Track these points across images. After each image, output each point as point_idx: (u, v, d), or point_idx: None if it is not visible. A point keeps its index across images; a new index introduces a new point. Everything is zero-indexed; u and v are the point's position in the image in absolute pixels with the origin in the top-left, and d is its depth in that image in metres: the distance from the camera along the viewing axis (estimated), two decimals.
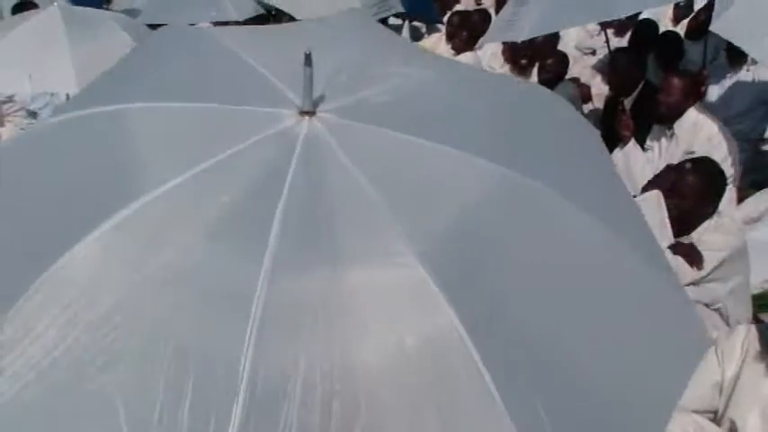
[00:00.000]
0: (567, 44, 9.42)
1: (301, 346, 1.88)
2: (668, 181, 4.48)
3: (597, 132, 3.02)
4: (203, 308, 1.97)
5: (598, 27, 9.37)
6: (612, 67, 7.31)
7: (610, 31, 8.72)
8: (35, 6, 8.65)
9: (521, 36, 6.63)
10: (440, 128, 2.36)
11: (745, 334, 3.02)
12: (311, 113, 2.26)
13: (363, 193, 2.09)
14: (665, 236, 4.30)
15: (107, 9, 10.08)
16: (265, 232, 1.98)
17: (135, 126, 2.36)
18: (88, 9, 7.69)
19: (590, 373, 2.09)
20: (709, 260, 4.34)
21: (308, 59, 2.23)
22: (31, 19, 7.03)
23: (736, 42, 5.99)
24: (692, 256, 4.33)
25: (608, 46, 8.22)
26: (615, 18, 7.58)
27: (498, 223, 2.21)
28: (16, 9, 8.87)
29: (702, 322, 2.56)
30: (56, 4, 6.93)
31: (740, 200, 5.99)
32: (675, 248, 4.32)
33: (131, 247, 2.04)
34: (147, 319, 1.96)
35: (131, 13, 8.82)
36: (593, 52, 9.87)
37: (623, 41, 9.05)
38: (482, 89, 2.81)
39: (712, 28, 5.92)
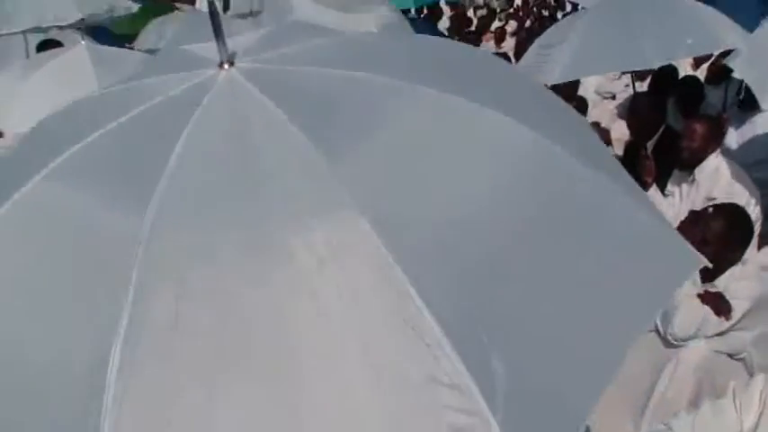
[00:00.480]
0: (586, 88, 9.47)
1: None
2: (694, 228, 4.46)
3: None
4: (84, 263, 1.90)
5: (618, 71, 9.42)
6: (633, 111, 7.30)
7: (629, 77, 8.77)
8: (60, 45, 8.78)
9: (551, 79, 6.61)
10: (374, 64, 2.21)
11: (764, 384, 3.00)
12: (229, 63, 2.13)
13: (283, 126, 1.95)
14: (692, 284, 4.28)
15: (130, 48, 10.22)
16: (154, 179, 1.88)
17: (65, 110, 2.38)
18: (114, 48, 7.81)
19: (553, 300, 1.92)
20: (738, 309, 4.30)
21: (212, 7, 2.17)
22: (59, 57, 7.13)
23: (749, 83, 6.02)
24: (721, 306, 4.29)
25: (633, 88, 8.24)
26: (647, 68, 7.61)
27: (436, 146, 2.03)
28: (41, 47, 8.98)
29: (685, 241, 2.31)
30: (83, 42, 7.02)
31: (759, 247, 5.98)
32: (703, 298, 4.28)
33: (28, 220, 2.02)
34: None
35: (155, 52, 8.91)
36: (613, 96, 9.91)
37: (644, 86, 9.10)
38: (422, 42, 2.74)
39: (727, 61, 5.95)
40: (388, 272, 1.74)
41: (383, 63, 2.24)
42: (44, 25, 9.28)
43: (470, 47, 3.46)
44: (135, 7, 10.43)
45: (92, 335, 1.78)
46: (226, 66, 2.12)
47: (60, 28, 9.36)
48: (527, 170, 2.05)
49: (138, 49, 10.09)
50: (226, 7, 11.63)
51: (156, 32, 12.51)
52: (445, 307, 1.75)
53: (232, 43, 2.17)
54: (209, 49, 2.20)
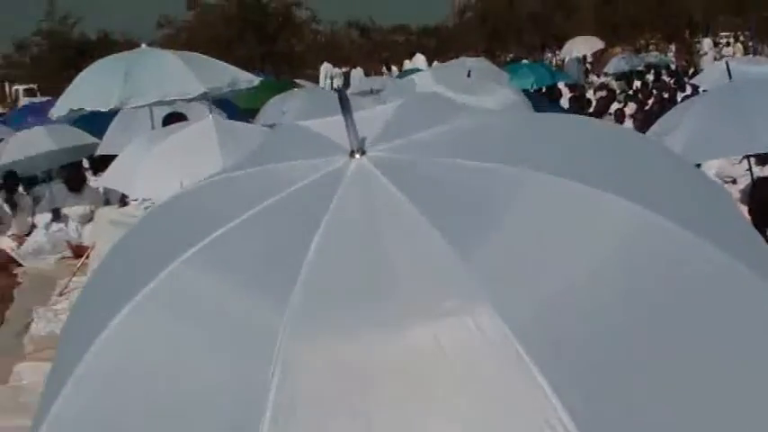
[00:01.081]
0: (707, 172, 9.34)
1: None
2: None
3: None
4: (227, 354, 1.89)
5: (736, 156, 9.27)
6: (754, 196, 7.18)
7: (752, 160, 8.62)
8: (184, 118, 9.10)
9: None
10: (505, 153, 2.17)
11: None
12: (360, 152, 2.10)
13: (414, 220, 1.90)
14: None
15: (252, 122, 10.51)
16: (294, 270, 1.85)
17: (197, 190, 2.39)
18: (239, 123, 8.04)
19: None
20: None
21: (343, 101, 2.12)
22: (185, 130, 7.37)
23: None
24: None
25: (751, 174, 8.10)
26: (765, 152, 7.44)
27: (566, 238, 1.97)
28: (167, 120, 9.31)
29: None
30: (211, 116, 7.26)
31: None
32: None
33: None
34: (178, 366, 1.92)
35: (276, 127, 9.14)
36: (734, 181, 9.75)
37: (764, 170, 8.92)
38: (562, 124, 2.64)
39: None
40: (524, 369, 1.68)
41: (513, 151, 2.23)
42: (168, 99, 9.63)
43: (600, 122, 3.42)
44: (256, 81, 10.72)
45: (231, 423, 1.80)
46: (357, 155, 2.10)
47: (187, 101, 9.69)
48: (659, 258, 1.97)
49: (262, 124, 10.36)
50: (345, 84, 11.87)
51: (277, 108, 12.85)
52: (583, 405, 1.68)
53: (360, 124, 2.15)
54: (338, 131, 2.18)
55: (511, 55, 41.38)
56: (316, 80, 29.09)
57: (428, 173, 2.11)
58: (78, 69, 12.49)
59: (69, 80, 11.47)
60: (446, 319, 1.75)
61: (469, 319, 1.73)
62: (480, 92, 10.24)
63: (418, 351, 1.73)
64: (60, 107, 10.07)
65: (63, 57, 47.06)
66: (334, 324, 1.83)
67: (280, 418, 1.70)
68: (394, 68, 30.06)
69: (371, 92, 12.97)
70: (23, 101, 35.13)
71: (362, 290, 1.87)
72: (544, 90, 20.06)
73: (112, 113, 10.75)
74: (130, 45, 27.72)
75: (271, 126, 9.23)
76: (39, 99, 29.73)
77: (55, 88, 30.55)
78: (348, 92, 10.93)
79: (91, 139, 11.95)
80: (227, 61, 11.49)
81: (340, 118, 2.14)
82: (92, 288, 2.45)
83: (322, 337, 1.82)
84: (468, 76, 11.78)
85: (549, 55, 44.43)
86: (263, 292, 1.93)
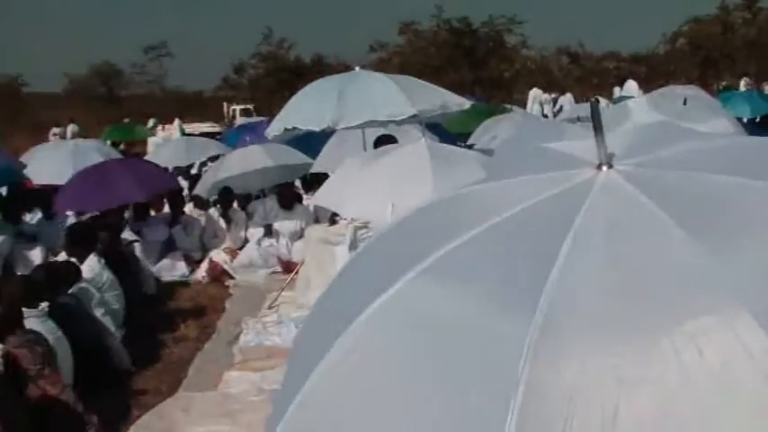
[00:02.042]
0: None
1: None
2: None
3: None
4: (471, 358, 1.88)
5: None
6: None
7: None
8: (394, 140, 9.19)
9: None
10: (746, 168, 2.13)
11: None
12: (608, 165, 2.12)
13: (667, 228, 1.89)
14: None
15: (465, 146, 10.50)
16: (540, 281, 1.85)
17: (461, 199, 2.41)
18: (452, 147, 8.04)
19: None
20: None
21: (595, 114, 2.11)
22: (397, 151, 7.42)
23: None
24: None
25: None
26: None
27: None
28: (378, 142, 9.42)
29: None
30: (423, 139, 7.29)
31: None
32: None
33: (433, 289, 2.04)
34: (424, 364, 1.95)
35: (489, 152, 9.10)
36: None
37: None
38: None
39: None
40: None
41: (753, 166, 2.17)
42: (380, 120, 9.74)
43: None
44: (467, 105, 10.69)
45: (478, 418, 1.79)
46: (604, 167, 2.12)
47: (398, 123, 9.78)
48: None
49: (472, 147, 10.35)
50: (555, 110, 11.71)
51: (488, 132, 12.86)
52: None
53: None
54: (579, 150, 2.21)
55: (724, 83, 39.81)
56: (524, 105, 28.97)
57: (674, 184, 2.10)
58: (293, 91, 12.88)
59: (284, 101, 11.81)
60: (703, 328, 1.72)
61: (729, 330, 1.70)
62: (696, 120, 9.87)
63: (674, 363, 1.70)
64: (276, 126, 10.37)
65: (279, 79, 49.02)
66: (582, 336, 1.80)
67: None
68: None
69: (578, 119, 12.72)
70: (240, 120, 36.56)
71: (613, 297, 1.85)
72: (758, 120, 19.16)
73: (326, 134, 10.97)
74: (344, 68, 28.49)
75: (483, 152, 9.21)
76: (254, 119, 30.87)
77: (270, 109, 31.80)
78: (558, 118, 10.79)
79: (304, 159, 12.30)
80: (437, 86, 11.54)
81: (580, 141, 2.19)
82: (331, 296, 2.49)
83: (570, 351, 1.78)
84: (685, 104, 11.40)
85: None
86: (505, 303, 1.93)
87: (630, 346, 1.74)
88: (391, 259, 2.25)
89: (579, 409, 1.69)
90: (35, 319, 5.98)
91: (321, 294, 2.53)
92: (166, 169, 14.99)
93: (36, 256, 10.33)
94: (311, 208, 11.63)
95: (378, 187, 6.71)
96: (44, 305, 6.46)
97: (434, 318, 1.99)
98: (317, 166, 12.12)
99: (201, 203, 12.42)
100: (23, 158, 14.79)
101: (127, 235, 10.29)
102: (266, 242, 11.24)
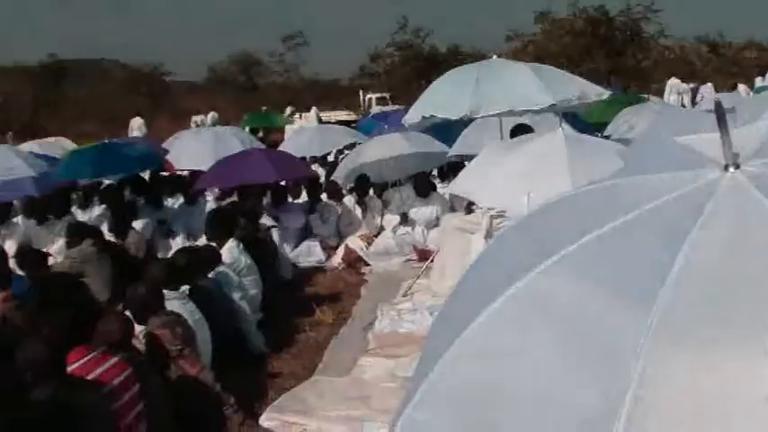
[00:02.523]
0: None
1: None
2: None
3: None
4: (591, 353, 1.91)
5: None
6: None
7: None
8: (531, 130, 9.10)
9: None
10: None
11: None
12: (735, 166, 2.07)
13: None
14: None
15: (603, 136, 10.30)
16: (657, 281, 1.84)
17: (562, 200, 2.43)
18: (589, 137, 7.91)
19: None
20: None
21: (720, 115, 2.06)
22: (535, 141, 7.35)
23: None
24: None
25: None
26: None
27: None
28: (514, 131, 9.34)
29: None
30: (560, 129, 7.20)
31: None
32: None
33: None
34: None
35: (626, 143, 8.92)
36: None
37: None
38: None
39: None
40: None
41: None
42: (517, 109, 9.66)
43: None
44: (606, 94, 10.50)
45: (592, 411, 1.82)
46: (731, 169, 2.07)
47: (535, 112, 9.68)
48: None
49: (609, 138, 10.17)
50: (693, 101, 11.38)
51: (626, 122, 12.60)
52: None
53: (734, 139, 2.11)
54: (710, 146, 2.14)
55: None
56: (661, 95, 28.31)
57: None
58: (429, 80, 12.89)
59: (420, 90, 11.84)
60: None
61: None
62: None
63: None
64: (413, 114, 10.39)
65: (414, 67, 49.07)
66: (697, 340, 1.80)
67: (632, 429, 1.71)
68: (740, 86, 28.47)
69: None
70: (375, 109, 36.84)
71: (730, 305, 1.83)
72: None
73: (462, 122, 10.94)
74: (479, 57, 28.35)
75: (622, 141, 9.04)
76: (390, 108, 31.03)
77: (406, 98, 31.90)
78: (696, 108, 10.50)
79: (441, 147, 12.32)
80: (574, 75, 11.36)
81: (710, 134, 2.12)
82: (466, 284, 2.52)
83: (683, 354, 1.78)
84: None
85: None
86: (624, 303, 1.93)
87: (741, 359, 1.73)
88: (524, 250, 2.28)
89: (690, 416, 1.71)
90: (176, 302, 6.18)
91: (456, 283, 2.55)
92: (303, 158, 15.26)
93: (177, 240, 10.66)
94: (447, 197, 11.65)
95: (514, 177, 6.65)
96: (185, 288, 6.67)
97: (561, 310, 2.02)
98: (453, 155, 12.13)
99: (337, 191, 12.57)
100: (165, 144, 15.31)
101: (265, 221, 10.50)
102: (402, 230, 11.33)
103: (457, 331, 2.07)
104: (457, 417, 2.04)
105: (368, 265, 10.83)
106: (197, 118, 35.76)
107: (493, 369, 2.02)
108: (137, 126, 31.72)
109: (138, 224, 10.48)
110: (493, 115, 9.79)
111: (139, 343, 5.64)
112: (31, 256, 8.26)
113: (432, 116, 9.97)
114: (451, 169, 12.44)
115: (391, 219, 11.68)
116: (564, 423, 1.85)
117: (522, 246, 2.35)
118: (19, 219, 11.76)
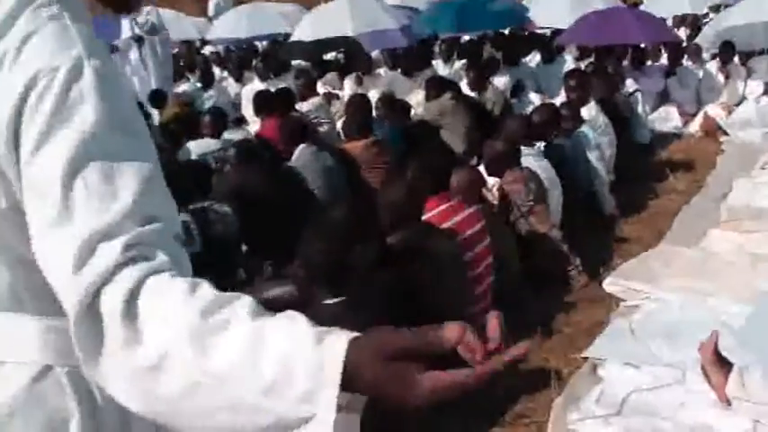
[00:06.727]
0: None
1: None
2: None
3: None
4: None
5: None
6: None
7: None
8: None
9: None
10: None
11: None
12: None
13: None
14: None
15: None
16: None
17: None
18: None
19: None
20: None
21: None
22: None
23: None
24: None
25: None
26: None
27: None
28: None
29: None
30: None
31: None
32: None
33: None
34: None
35: None
36: None
37: None
38: None
39: None
40: None
41: None
42: None
43: None
44: None
45: None
46: None
47: None
48: None
49: None
50: None
51: None
52: None
53: None
54: None
55: None
56: None
57: None
58: None
59: None
60: None
61: None
62: None
63: None
64: None
65: None
66: None
67: None
68: None
69: None
70: None
71: None
72: None
73: None
74: None
75: None
76: None
77: None
78: None
79: None
80: None
81: None
82: None
83: None
84: None
85: None
86: None
87: None
88: None
89: None
90: (531, 158, 6.32)
91: None
92: (664, 20, 14.73)
93: (533, 98, 10.81)
94: None
95: None
96: (540, 144, 6.82)
97: None
98: None
99: (699, 55, 12.09)
100: (525, 1, 15.32)
101: (629, 84, 10.42)
102: (765, 100, 10.75)
103: None
104: None
105: (726, 134, 10.39)
106: None
107: None
108: None
109: (497, 80, 10.72)
110: None
111: (492, 196, 5.89)
112: (397, 105, 8.72)
113: None
114: None
115: (755, 88, 11.10)
116: None
117: None
118: (382, 70, 12.38)
